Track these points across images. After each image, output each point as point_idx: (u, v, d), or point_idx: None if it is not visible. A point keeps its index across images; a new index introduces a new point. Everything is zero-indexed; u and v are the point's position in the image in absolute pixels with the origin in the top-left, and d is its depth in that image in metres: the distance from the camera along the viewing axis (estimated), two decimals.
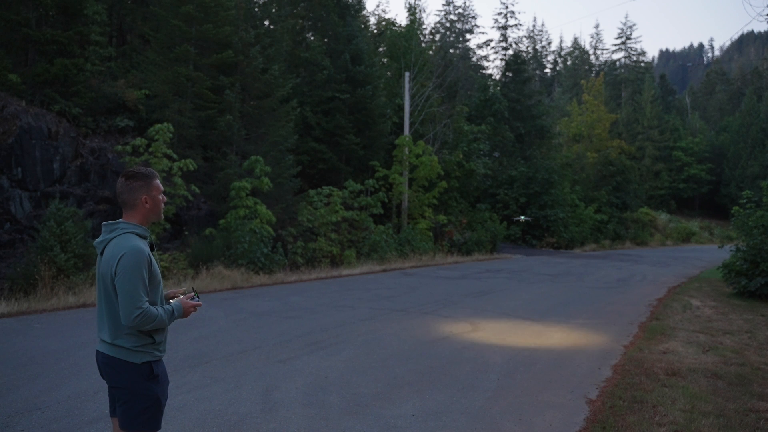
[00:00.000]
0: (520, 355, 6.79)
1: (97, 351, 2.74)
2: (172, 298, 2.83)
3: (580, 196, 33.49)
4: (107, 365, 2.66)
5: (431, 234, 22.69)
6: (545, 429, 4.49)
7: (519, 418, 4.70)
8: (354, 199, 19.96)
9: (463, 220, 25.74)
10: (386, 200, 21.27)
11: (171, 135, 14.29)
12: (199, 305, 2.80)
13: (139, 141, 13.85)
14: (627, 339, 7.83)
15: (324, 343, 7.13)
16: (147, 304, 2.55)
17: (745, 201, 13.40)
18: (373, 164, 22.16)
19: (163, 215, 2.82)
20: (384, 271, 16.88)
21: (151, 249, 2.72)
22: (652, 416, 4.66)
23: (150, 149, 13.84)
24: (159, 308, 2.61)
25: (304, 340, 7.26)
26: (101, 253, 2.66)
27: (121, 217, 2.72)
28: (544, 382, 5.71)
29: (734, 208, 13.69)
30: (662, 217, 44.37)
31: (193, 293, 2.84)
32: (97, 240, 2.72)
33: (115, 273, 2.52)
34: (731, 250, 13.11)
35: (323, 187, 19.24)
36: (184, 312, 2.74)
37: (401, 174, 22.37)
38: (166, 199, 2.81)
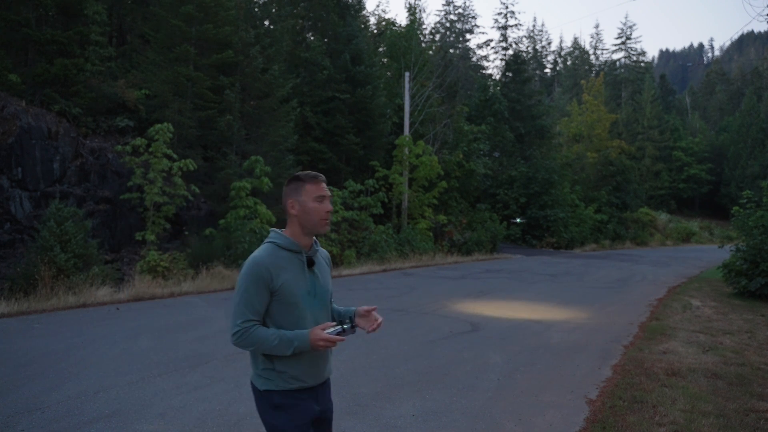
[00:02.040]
0: (520, 355, 6.79)
1: None
2: (362, 315, 2.49)
3: (580, 196, 33.48)
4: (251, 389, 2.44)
5: (431, 234, 22.68)
6: (545, 429, 4.49)
7: (519, 418, 4.70)
8: (354, 199, 19.96)
9: (463, 220, 25.74)
10: (386, 200, 21.27)
11: (171, 135, 14.29)
12: (339, 340, 2.28)
13: (139, 141, 13.85)
14: (627, 339, 7.83)
15: None
16: (252, 323, 2.23)
17: (745, 201, 13.40)
18: (373, 164, 22.16)
19: (327, 226, 2.41)
20: (384, 271, 16.87)
21: (310, 265, 2.36)
22: (652, 416, 4.66)
23: (150, 149, 13.84)
24: (271, 331, 2.23)
25: None
26: None
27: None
28: (544, 382, 5.71)
29: (734, 208, 13.69)
30: (662, 217, 44.37)
31: (339, 325, 2.33)
32: None
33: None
34: (731, 250, 13.10)
35: None
36: (311, 343, 2.25)
37: (401, 174, 22.37)
38: (330, 207, 2.40)
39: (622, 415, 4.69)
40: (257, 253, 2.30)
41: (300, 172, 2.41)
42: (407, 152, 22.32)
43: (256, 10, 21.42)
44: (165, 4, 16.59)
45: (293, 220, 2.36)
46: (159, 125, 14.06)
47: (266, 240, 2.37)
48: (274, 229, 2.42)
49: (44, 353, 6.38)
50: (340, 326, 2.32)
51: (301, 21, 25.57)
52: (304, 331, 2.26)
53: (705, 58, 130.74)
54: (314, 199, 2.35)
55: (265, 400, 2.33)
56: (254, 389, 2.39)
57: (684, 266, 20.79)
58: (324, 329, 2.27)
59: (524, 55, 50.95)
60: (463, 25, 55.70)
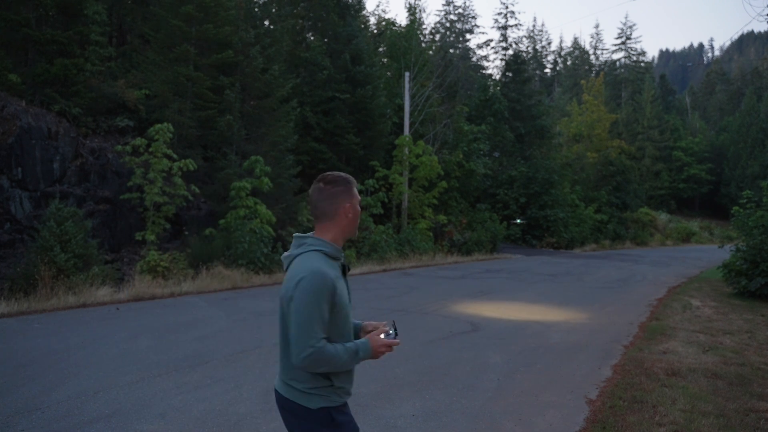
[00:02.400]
0: (520, 355, 6.79)
1: (275, 389, 2.30)
2: (369, 332, 2.32)
3: (580, 196, 33.48)
4: (284, 408, 2.23)
5: (431, 234, 22.68)
6: (545, 429, 4.49)
7: (519, 418, 4.70)
8: None
9: (463, 220, 25.73)
10: (386, 200, 21.27)
11: (171, 135, 14.29)
12: (396, 344, 2.23)
13: (139, 141, 13.85)
14: (627, 339, 7.83)
15: None
16: (323, 342, 2.07)
17: (745, 201, 13.40)
18: (373, 164, 22.16)
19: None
20: (384, 271, 16.87)
21: (344, 273, 2.26)
22: (652, 416, 4.66)
23: (150, 149, 13.83)
24: (339, 346, 2.12)
25: None
26: (286, 271, 2.24)
27: (311, 231, 2.32)
28: (544, 382, 5.71)
29: (734, 208, 13.69)
30: (662, 217, 44.36)
31: (389, 329, 2.27)
32: (285, 254, 2.27)
33: (291, 298, 2.10)
34: (731, 250, 13.10)
35: None
36: (373, 352, 2.18)
37: (401, 174, 22.36)
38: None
39: (622, 415, 4.69)
40: (317, 263, 2.11)
41: (343, 174, 2.28)
42: (407, 152, 22.32)
43: (256, 10, 21.40)
44: (165, 4, 16.58)
45: (337, 224, 2.22)
46: (159, 125, 14.06)
47: (310, 248, 2.18)
48: (312, 234, 2.23)
49: (44, 353, 6.38)
50: (390, 329, 2.26)
51: (301, 21, 25.57)
52: (363, 340, 2.18)
53: (705, 58, 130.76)
54: (359, 203, 2.30)
55: (320, 420, 2.15)
56: (299, 409, 2.16)
57: (684, 266, 20.79)
58: (380, 335, 2.22)
59: (524, 55, 50.97)
60: (463, 25, 55.72)
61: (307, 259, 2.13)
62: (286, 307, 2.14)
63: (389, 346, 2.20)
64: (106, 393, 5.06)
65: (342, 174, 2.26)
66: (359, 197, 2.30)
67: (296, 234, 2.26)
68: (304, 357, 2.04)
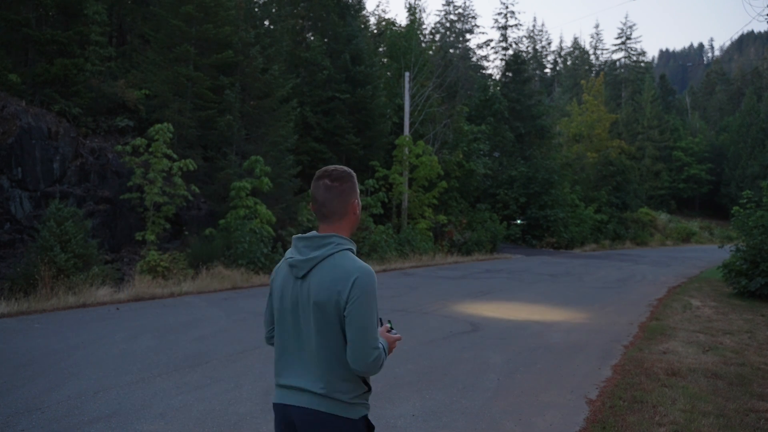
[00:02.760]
0: (520, 355, 6.79)
1: (290, 406, 2.03)
2: None
3: (580, 196, 33.48)
4: (316, 424, 1.98)
5: (431, 234, 22.68)
6: (545, 429, 4.49)
7: (519, 418, 4.70)
8: None
9: (463, 220, 25.73)
10: (386, 200, 21.27)
11: (171, 135, 14.29)
12: (400, 339, 2.22)
13: (139, 141, 13.85)
14: (627, 339, 7.83)
15: None
16: (381, 342, 2.03)
17: (745, 201, 13.40)
18: (373, 164, 22.16)
19: None
20: (384, 271, 16.87)
21: None
22: (652, 416, 4.66)
23: (150, 149, 13.84)
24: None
25: None
26: (304, 276, 2.03)
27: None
28: (544, 382, 5.71)
29: (734, 208, 13.68)
30: (662, 217, 44.36)
31: (388, 325, 2.25)
32: (299, 258, 2.05)
33: (347, 300, 1.94)
34: (731, 250, 13.10)
35: None
36: (389, 348, 2.15)
37: (401, 174, 22.37)
38: None
39: (622, 415, 4.69)
40: (362, 263, 2.02)
41: (346, 168, 2.15)
42: (407, 152, 22.32)
43: (256, 10, 21.41)
44: (165, 4, 16.58)
45: (348, 222, 2.12)
46: (159, 125, 14.06)
47: (341, 247, 2.05)
48: (333, 233, 2.08)
49: (44, 353, 6.38)
50: (390, 326, 2.25)
51: (301, 21, 25.57)
52: (381, 339, 2.10)
53: (705, 58, 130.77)
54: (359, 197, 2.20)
55: (360, 430, 2.02)
56: (338, 423, 1.98)
57: (684, 266, 20.79)
58: (386, 332, 2.18)
59: (524, 55, 50.95)
60: (463, 25, 55.71)
61: (347, 259, 2.01)
62: (332, 312, 1.96)
63: (396, 342, 2.20)
64: (106, 393, 5.06)
65: (345, 169, 2.14)
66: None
67: (307, 235, 2.08)
68: (372, 360, 1.93)
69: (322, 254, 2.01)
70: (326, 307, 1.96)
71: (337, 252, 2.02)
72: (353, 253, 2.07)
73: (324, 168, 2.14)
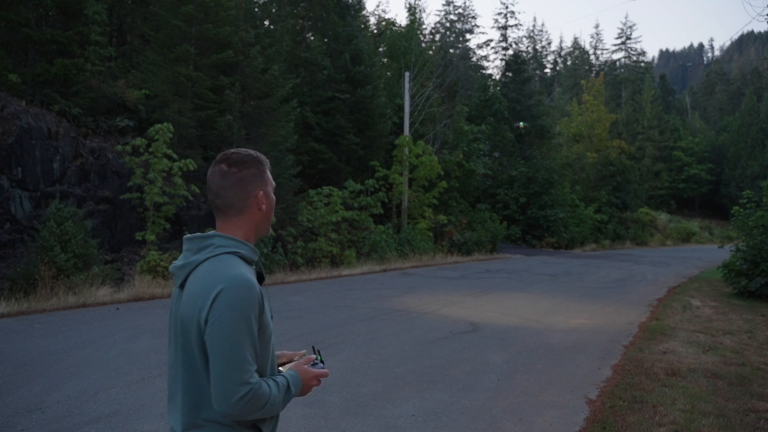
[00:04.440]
0: (520, 355, 6.79)
1: None
2: (282, 365, 1.79)
3: (580, 196, 33.49)
4: None
5: (431, 234, 22.68)
6: (545, 429, 4.49)
7: (519, 418, 4.70)
8: (354, 199, 19.96)
9: (463, 220, 25.74)
10: (386, 200, 21.27)
11: (171, 135, 14.29)
12: (325, 375, 1.74)
13: (139, 141, 13.86)
14: (627, 339, 7.83)
15: (324, 343, 7.13)
16: (256, 376, 1.53)
17: (745, 201, 13.40)
18: (373, 164, 22.16)
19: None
20: (384, 271, 16.87)
21: (260, 281, 1.68)
22: (652, 416, 4.66)
23: (150, 149, 13.84)
24: (271, 383, 1.57)
25: (304, 340, 7.26)
26: (181, 286, 1.63)
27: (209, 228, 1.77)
28: (544, 382, 5.71)
29: (734, 208, 13.69)
30: (662, 217, 44.36)
31: (315, 356, 1.78)
32: (176, 264, 1.65)
33: (207, 321, 1.50)
34: (731, 250, 13.10)
35: (323, 187, 19.24)
36: (303, 387, 1.67)
37: (401, 174, 22.37)
38: None
39: (622, 415, 4.69)
40: (237, 269, 1.56)
41: (252, 152, 1.72)
42: (407, 152, 22.33)
43: (256, 10, 21.41)
44: (165, 4, 16.58)
45: (248, 219, 1.68)
46: (159, 125, 14.07)
47: (221, 250, 1.61)
48: (216, 232, 1.66)
49: (44, 353, 6.38)
50: (315, 357, 1.79)
51: (301, 21, 25.57)
52: (291, 372, 1.67)
53: (705, 58, 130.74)
54: (273, 190, 1.76)
55: None
56: None
57: (684, 266, 20.78)
58: (305, 364, 1.72)
59: (524, 55, 50.97)
60: (463, 25, 55.72)
61: (220, 265, 1.56)
62: (194, 336, 1.54)
63: (318, 379, 1.72)
64: (106, 393, 5.06)
65: (251, 152, 1.72)
66: (274, 183, 1.76)
67: (190, 235, 1.67)
68: (237, 400, 1.47)
69: (200, 258, 1.60)
70: (188, 327, 1.56)
71: (215, 256, 1.59)
72: (241, 258, 1.63)
73: (225, 151, 1.73)
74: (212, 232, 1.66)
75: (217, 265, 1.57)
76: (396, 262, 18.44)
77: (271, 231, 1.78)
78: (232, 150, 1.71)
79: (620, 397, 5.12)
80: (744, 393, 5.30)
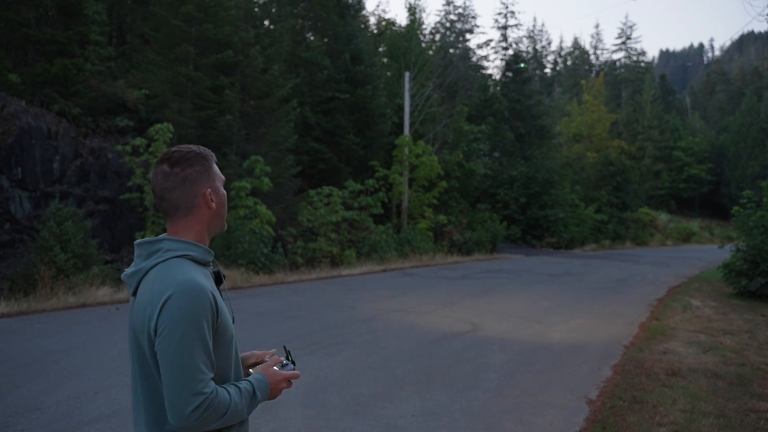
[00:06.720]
0: (520, 356, 6.79)
1: None
2: (252, 365, 1.74)
3: (580, 196, 33.48)
4: None
5: (431, 234, 22.68)
6: (545, 429, 4.49)
7: (519, 418, 4.70)
8: (354, 199, 19.97)
9: (463, 220, 25.74)
10: (386, 200, 21.27)
11: (171, 135, 14.29)
12: (296, 376, 1.69)
13: (139, 141, 13.86)
14: (627, 339, 7.82)
15: (324, 343, 7.13)
16: (212, 385, 1.46)
17: (745, 201, 13.39)
18: (373, 164, 22.17)
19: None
20: (384, 271, 16.87)
21: (218, 283, 1.64)
22: (652, 416, 4.66)
23: (150, 149, 13.85)
24: (232, 389, 1.52)
25: (304, 340, 7.26)
26: (134, 293, 1.57)
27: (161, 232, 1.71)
28: (545, 382, 5.71)
29: (734, 208, 13.68)
30: (662, 217, 44.35)
31: (283, 359, 1.73)
32: (127, 271, 1.59)
33: (156, 331, 1.45)
34: (731, 250, 13.10)
35: (323, 187, 19.25)
36: (272, 391, 1.63)
37: (401, 174, 22.37)
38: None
39: (622, 415, 4.68)
40: (186, 273, 1.49)
41: (194, 147, 1.63)
42: (407, 152, 22.33)
43: (256, 10, 21.41)
44: (165, 4, 16.58)
45: (198, 219, 1.61)
46: (159, 125, 14.07)
47: (170, 254, 1.54)
48: (166, 236, 1.59)
49: (44, 353, 6.37)
50: (284, 359, 1.73)
51: (301, 21, 25.57)
52: (258, 376, 1.61)
53: (705, 58, 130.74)
54: (223, 184, 1.68)
55: None
56: None
57: (684, 266, 20.78)
58: (274, 366, 1.67)
59: (524, 55, 50.98)
60: (463, 25, 55.69)
61: (169, 270, 1.50)
62: (146, 345, 1.49)
63: (288, 381, 1.66)
64: (106, 393, 5.06)
65: (194, 148, 1.63)
66: (223, 176, 1.68)
67: (140, 240, 1.60)
68: (191, 412, 1.41)
69: (149, 264, 1.54)
70: (142, 339, 1.50)
71: (164, 261, 1.53)
72: (192, 260, 1.56)
73: (167, 150, 1.64)
74: (162, 235, 1.59)
75: (166, 270, 1.50)
76: (396, 262, 18.44)
77: (225, 226, 1.70)
78: (174, 148, 1.62)
79: (620, 397, 5.12)
80: (744, 393, 5.30)
